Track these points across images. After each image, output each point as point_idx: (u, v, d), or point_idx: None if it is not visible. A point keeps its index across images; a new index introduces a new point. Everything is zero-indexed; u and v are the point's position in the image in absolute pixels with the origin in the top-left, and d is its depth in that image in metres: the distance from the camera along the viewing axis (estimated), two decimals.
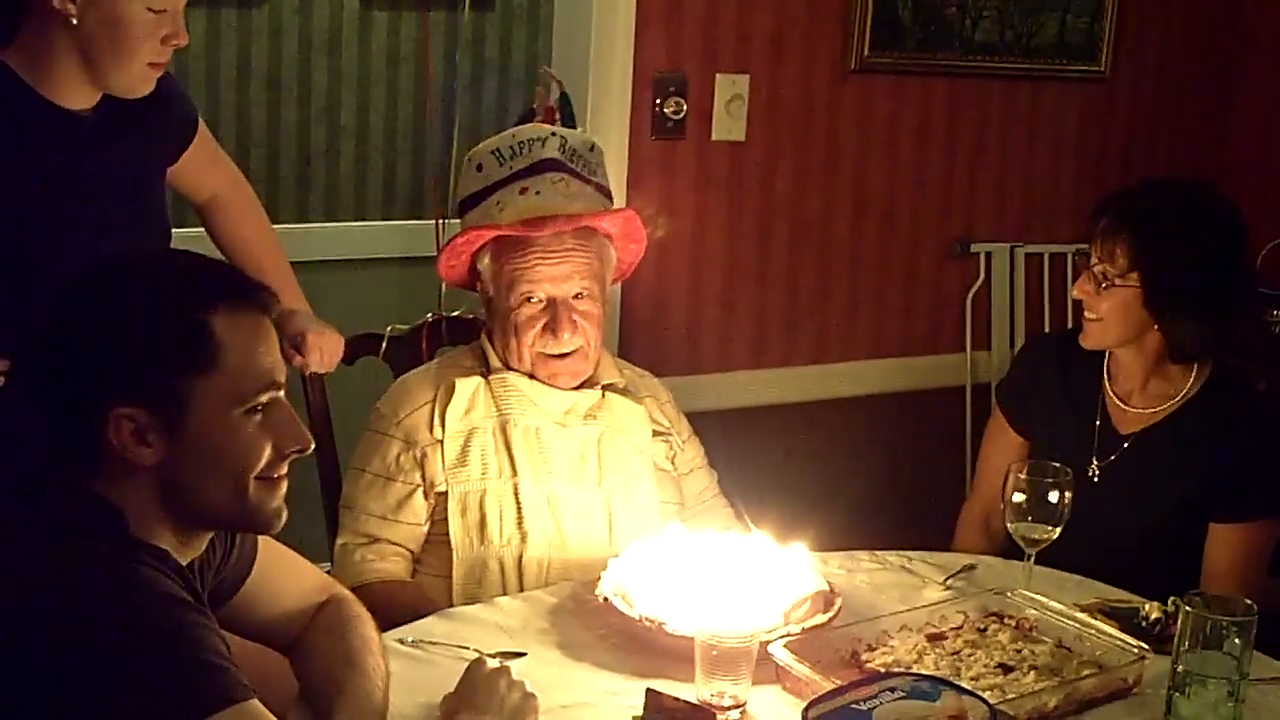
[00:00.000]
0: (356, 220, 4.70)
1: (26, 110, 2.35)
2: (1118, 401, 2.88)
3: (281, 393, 1.80)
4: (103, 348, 1.71)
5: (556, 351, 2.65)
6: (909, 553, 2.69)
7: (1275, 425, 2.85)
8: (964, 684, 2.09)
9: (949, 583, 2.56)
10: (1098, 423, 2.88)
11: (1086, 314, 2.82)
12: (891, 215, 3.86)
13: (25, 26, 2.34)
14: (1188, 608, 2.06)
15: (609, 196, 2.75)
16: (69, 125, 2.39)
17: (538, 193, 2.64)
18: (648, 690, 1.99)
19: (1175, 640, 2.08)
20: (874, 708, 1.79)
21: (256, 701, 1.67)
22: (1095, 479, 2.83)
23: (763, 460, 3.60)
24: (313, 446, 1.84)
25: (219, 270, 1.82)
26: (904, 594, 2.50)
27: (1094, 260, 2.78)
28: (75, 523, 1.73)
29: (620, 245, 2.77)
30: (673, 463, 2.81)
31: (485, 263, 2.67)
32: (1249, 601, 2.09)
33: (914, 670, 2.11)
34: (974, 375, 4.01)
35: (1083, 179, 4.09)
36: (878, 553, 2.68)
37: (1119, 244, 2.75)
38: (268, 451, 1.78)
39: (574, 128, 2.75)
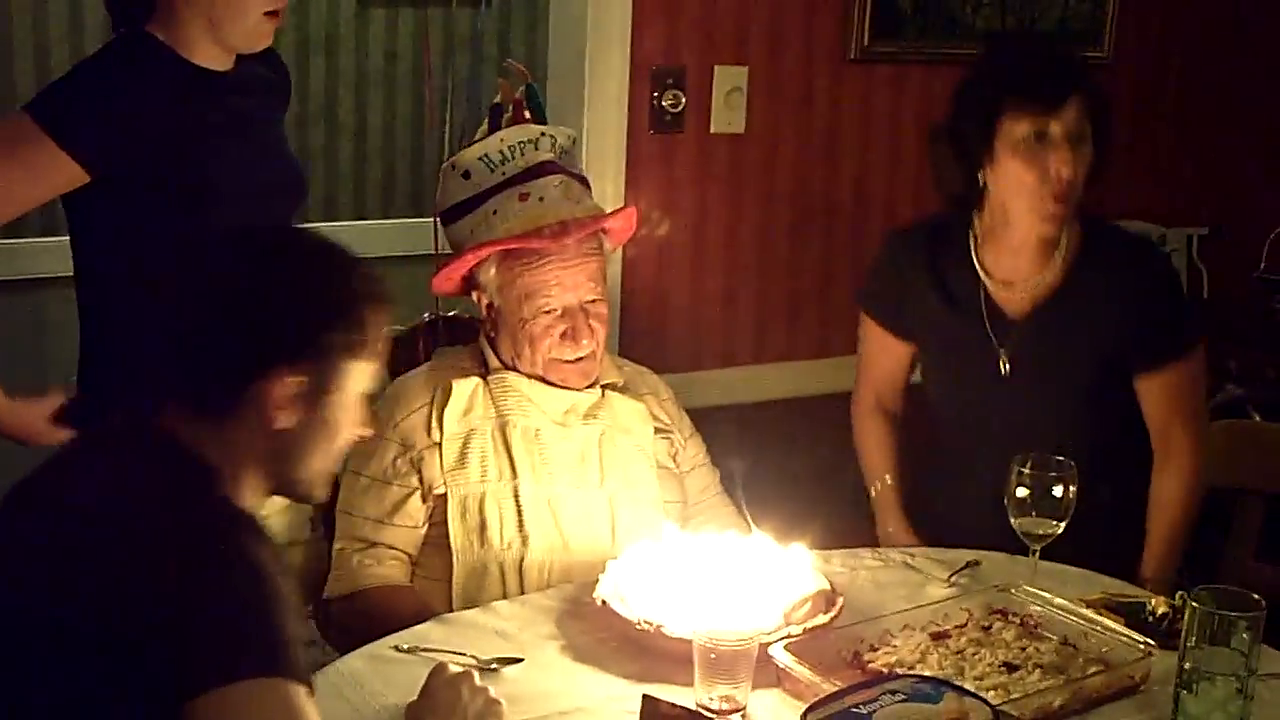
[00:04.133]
0: (355, 219, 4.68)
1: (173, 71, 2.52)
2: (998, 287, 2.80)
3: None
4: (284, 315, 1.81)
5: (573, 356, 2.62)
6: (912, 549, 2.66)
7: (1164, 261, 2.86)
8: (967, 684, 2.06)
9: (952, 579, 2.52)
10: (985, 315, 2.80)
11: (1059, 193, 2.66)
12: (894, 206, 3.82)
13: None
14: (1194, 603, 2.03)
15: (589, 186, 2.72)
16: (209, 82, 2.55)
17: (541, 199, 2.59)
18: (644, 696, 1.96)
19: (1182, 636, 2.04)
20: (874, 711, 1.76)
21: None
22: (1007, 371, 2.78)
23: (765, 456, 3.55)
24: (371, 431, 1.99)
25: (370, 269, 1.92)
26: (907, 592, 2.47)
27: (1061, 125, 2.63)
28: (177, 480, 1.78)
29: (615, 239, 2.74)
30: (675, 460, 2.78)
31: (490, 274, 2.62)
32: (1257, 596, 2.06)
33: (917, 671, 2.08)
34: None
35: None
36: (880, 549, 2.65)
37: (1075, 105, 2.65)
38: (355, 432, 1.93)
39: (544, 121, 2.71)
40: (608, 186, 3.34)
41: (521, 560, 2.55)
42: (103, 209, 2.50)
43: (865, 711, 1.75)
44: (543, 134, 2.66)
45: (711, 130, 3.54)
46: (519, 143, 2.63)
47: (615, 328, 3.48)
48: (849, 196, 3.76)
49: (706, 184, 3.56)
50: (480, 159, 2.63)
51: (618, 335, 3.47)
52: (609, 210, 2.75)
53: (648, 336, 3.53)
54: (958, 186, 2.78)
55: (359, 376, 1.87)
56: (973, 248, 2.81)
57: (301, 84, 4.53)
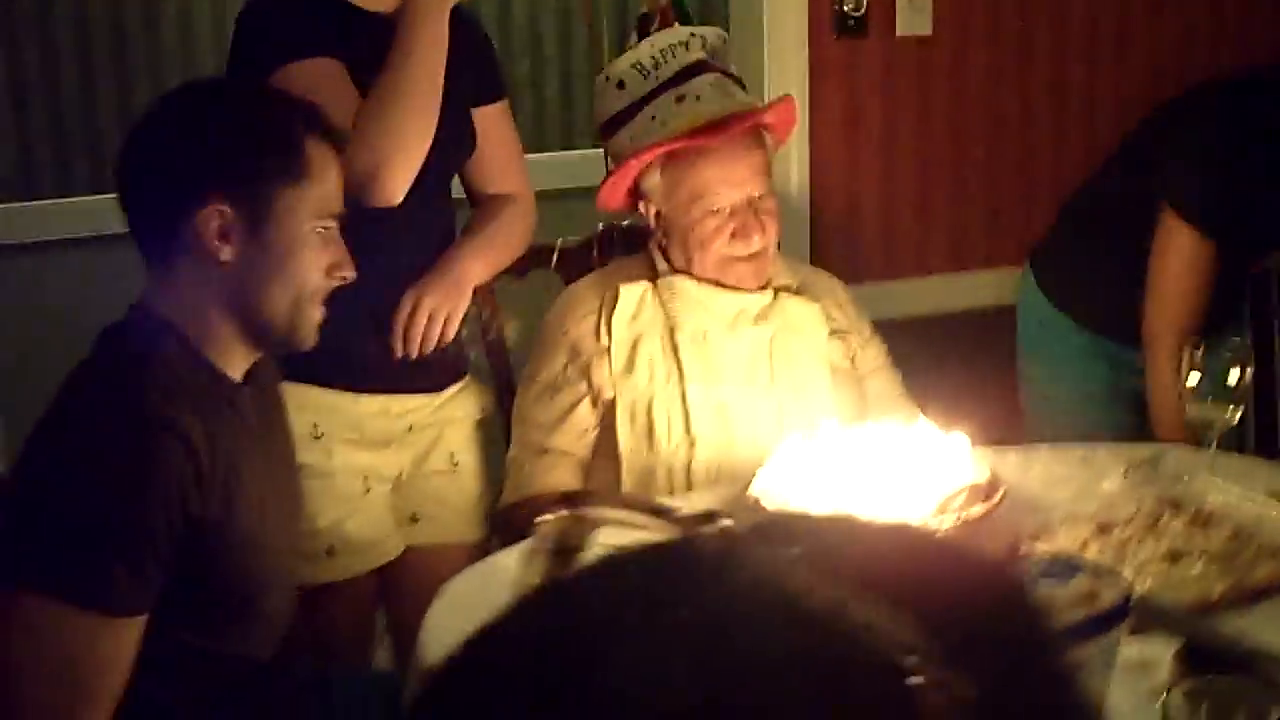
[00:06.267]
0: (563, 150, 4.70)
1: (331, 12, 2.50)
2: None
3: (338, 227, 2.02)
4: (205, 144, 1.92)
5: (746, 253, 2.61)
6: (1093, 444, 2.58)
7: None
8: (1127, 572, 2.00)
9: (1129, 474, 2.44)
10: None
11: None
12: (1093, 105, 3.68)
13: None
14: None
15: (744, 86, 2.70)
16: (367, 23, 2.50)
17: (698, 98, 2.57)
18: None
19: None
20: None
21: (125, 622, 1.80)
22: None
23: (961, 367, 3.48)
24: (354, 276, 2.03)
25: (312, 105, 2.02)
26: (1079, 486, 2.39)
27: None
28: (117, 355, 1.94)
29: (779, 134, 2.72)
30: (853, 363, 2.74)
31: (655, 180, 2.61)
32: None
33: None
34: None
35: None
36: (1058, 445, 2.58)
37: None
38: (323, 271, 1.98)
39: (690, 23, 2.70)
40: (792, 93, 3.30)
41: (689, 464, 2.55)
42: None
43: None
44: (692, 35, 2.65)
45: (897, 33, 3.46)
46: (669, 45, 2.62)
47: (806, 237, 3.45)
48: (1045, 98, 3.63)
49: (895, 88, 3.49)
50: (633, 67, 2.62)
51: (809, 244, 3.44)
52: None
53: (840, 245, 3.48)
54: None
55: (302, 204, 1.93)
56: None
57: (504, 17, 4.57)
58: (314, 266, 1.97)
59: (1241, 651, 1.75)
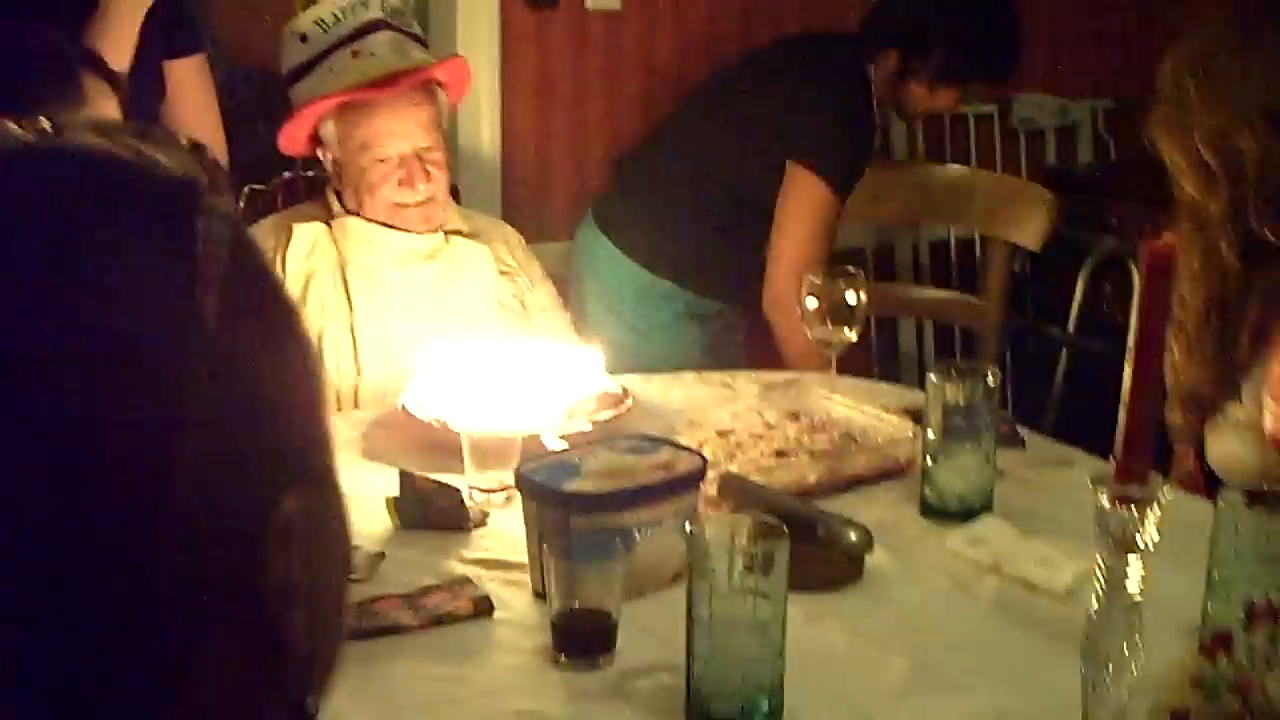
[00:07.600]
0: None
1: None
2: None
3: None
4: None
5: (413, 200, 2.75)
6: (734, 372, 2.76)
7: None
8: (734, 467, 2.16)
9: (763, 393, 2.61)
10: None
11: None
12: None
13: None
14: (932, 377, 2.13)
15: (426, 45, 2.84)
16: None
17: (372, 54, 2.73)
18: (400, 472, 2.08)
19: (926, 409, 2.14)
20: (584, 460, 1.85)
21: None
22: None
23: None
24: None
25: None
26: (715, 404, 2.57)
27: None
28: None
29: (452, 91, 2.86)
30: (521, 303, 2.90)
31: (329, 129, 2.76)
32: (996, 369, 2.15)
33: None
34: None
35: None
36: (703, 373, 2.75)
37: None
38: None
39: None
40: (481, 63, 3.45)
41: (356, 390, 2.68)
42: None
43: (576, 461, 1.85)
44: None
45: (587, 6, 3.63)
46: (350, 4, 2.77)
47: (497, 198, 3.60)
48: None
49: (585, 61, 3.65)
50: (315, 23, 2.77)
51: (500, 204, 3.58)
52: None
53: (530, 206, 3.63)
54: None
55: None
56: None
57: None
58: None
59: (812, 517, 1.92)
